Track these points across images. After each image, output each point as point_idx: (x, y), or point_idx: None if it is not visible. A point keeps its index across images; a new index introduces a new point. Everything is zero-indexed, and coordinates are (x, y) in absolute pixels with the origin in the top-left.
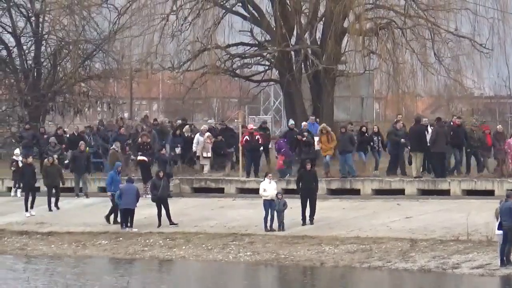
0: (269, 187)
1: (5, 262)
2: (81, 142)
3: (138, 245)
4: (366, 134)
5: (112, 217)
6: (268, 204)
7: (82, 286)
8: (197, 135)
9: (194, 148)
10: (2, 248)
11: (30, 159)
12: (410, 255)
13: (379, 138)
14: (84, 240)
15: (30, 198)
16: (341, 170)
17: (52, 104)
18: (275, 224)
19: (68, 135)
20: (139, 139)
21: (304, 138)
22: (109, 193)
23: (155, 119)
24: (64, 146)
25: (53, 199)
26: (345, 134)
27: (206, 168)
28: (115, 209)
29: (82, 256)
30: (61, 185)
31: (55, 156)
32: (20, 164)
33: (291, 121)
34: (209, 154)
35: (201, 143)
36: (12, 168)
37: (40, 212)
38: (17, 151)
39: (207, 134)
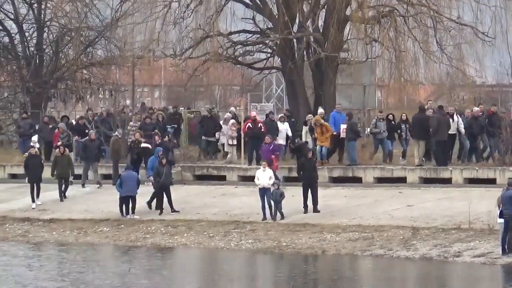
0: (262, 176)
1: (7, 248)
2: (91, 131)
3: (139, 232)
4: (393, 122)
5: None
6: (263, 193)
7: (84, 272)
8: (221, 122)
9: (217, 135)
10: (4, 235)
11: (35, 150)
12: (412, 243)
13: (407, 126)
14: (85, 227)
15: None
16: (347, 158)
17: (54, 91)
18: (273, 214)
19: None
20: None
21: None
22: (151, 178)
23: (150, 108)
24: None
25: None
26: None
27: (230, 156)
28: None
29: (83, 243)
30: (70, 176)
31: (61, 142)
32: (35, 152)
33: (321, 109)
34: (235, 142)
35: (225, 130)
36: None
37: (41, 199)
38: (34, 138)
39: (232, 121)
